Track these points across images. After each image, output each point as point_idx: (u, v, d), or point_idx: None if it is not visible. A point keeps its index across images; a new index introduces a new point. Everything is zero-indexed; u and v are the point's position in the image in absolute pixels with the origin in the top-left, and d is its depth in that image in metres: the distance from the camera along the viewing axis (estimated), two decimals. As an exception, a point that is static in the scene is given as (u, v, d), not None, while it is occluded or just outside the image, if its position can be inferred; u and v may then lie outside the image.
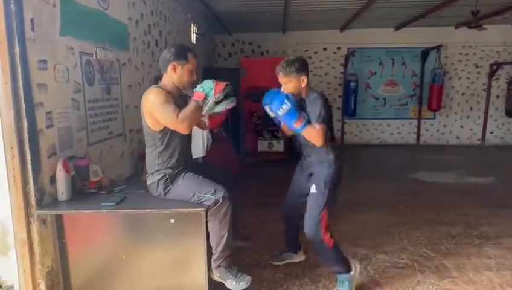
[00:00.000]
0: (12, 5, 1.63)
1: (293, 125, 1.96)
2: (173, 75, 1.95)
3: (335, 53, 7.66)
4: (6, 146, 1.72)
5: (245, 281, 2.00)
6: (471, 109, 7.65)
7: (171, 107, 1.84)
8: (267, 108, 2.04)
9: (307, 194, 2.16)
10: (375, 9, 5.47)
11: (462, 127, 7.74)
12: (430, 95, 7.19)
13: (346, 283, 2.20)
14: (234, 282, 1.99)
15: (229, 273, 2.00)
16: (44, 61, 1.86)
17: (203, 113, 1.97)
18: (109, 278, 2.03)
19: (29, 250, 1.82)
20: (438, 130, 7.81)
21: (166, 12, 4.04)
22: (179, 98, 1.98)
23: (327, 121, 2.02)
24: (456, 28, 6.99)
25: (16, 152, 1.72)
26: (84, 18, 2.26)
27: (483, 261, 2.68)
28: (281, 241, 2.61)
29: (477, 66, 7.49)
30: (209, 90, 1.90)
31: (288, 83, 2.04)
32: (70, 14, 2.08)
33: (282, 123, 2.17)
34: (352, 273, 2.23)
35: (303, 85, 2.05)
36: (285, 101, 1.92)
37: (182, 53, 1.95)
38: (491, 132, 7.67)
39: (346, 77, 7.43)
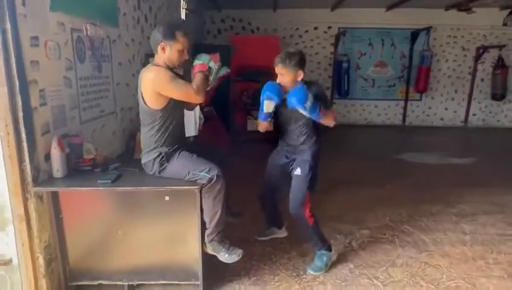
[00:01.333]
0: (2, -21, 1.59)
1: (317, 115, 2.05)
2: (163, 56, 1.94)
3: (325, 32, 7.62)
4: (1, 124, 1.72)
5: (236, 254, 2.11)
6: (456, 91, 7.82)
7: (181, 81, 1.92)
8: (271, 102, 2.07)
9: (287, 176, 2.29)
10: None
11: (446, 109, 7.92)
12: (418, 76, 7.31)
13: (324, 258, 2.34)
14: (227, 255, 2.09)
15: (221, 247, 2.10)
16: (36, 38, 1.83)
17: (209, 83, 2.04)
18: (106, 253, 2.10)
19: (26, 225, 1.86)
20: (423, 112, 7.98)
21: (155, -13, 3.94)
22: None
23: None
24: (446, 9, 7.03)
25: (10, 129, 1.72)
26: (74, -7, 2.21)
27: (458, 237, 2.86)
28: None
29: (464, 49, 7.59)
30: (208, 60, 2.00)
31: (285, 75, 2.08)
32: (60, -12, 2.03)
33: (263, 119, 2.20)
34: (331, 253, 2.39)
35: (299, 79, 2.09)
36: (309, 95, 1.98)
37: (170, 32, 1.92)
38: (474, 114, 7.89)
39: (338, 57, 7.44)
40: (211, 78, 2.05)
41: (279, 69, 2.09)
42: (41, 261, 1.94)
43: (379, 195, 3.73)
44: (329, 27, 7.58)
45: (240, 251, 2.13)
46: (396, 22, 7.38)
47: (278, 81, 2.11)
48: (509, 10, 6.62)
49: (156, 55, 1.99)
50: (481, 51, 7.41)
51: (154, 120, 1.97)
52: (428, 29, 7.03)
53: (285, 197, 2.37)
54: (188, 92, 1.91)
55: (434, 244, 2.74)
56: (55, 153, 1.92)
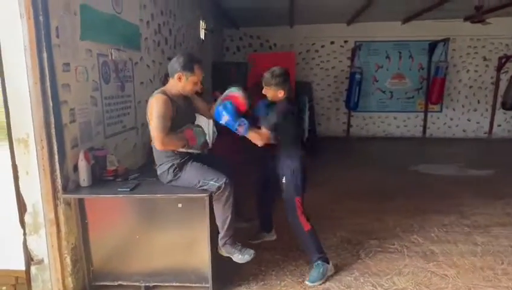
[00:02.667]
0: (40, 16, 1.87)
1: (236, 131, 2.26)
2: (178, 84, 2.16)
3: (342, 46, 7.76)
4: (37, 139, 1.98)
5: (249, 254, 2.27)
6: (478, 102, 7.67)
7: (164, 124, 2.04)
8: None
9: (277, 182, 2.48)
10: (381, 3, 5.54)
11: (469, 120, 7.77)
12: (432, 88, 7.25)
13: (321, 269, 2.39)
14: (240, 256, 2.27)
15: (234, 249, 2.27)
16: (67, 64, 2.11)
17: (181, 150, 2.20)
18: (125, 256, 2.30)
19: (56, 229, 2.10)
20: (444, 123, 7.87)
21: (175, 11, 4.25)
22: (182, 100, 2.21)
23: (284, 127, 2.34)
24: (465, 20, 6.99)
25: (44, 144, 1.98)
26: (101, 22, 2.50)
27: (469, 248, 2.86)
28: (277, 225, 2.90)
29: (485, 59, 7.48)
30: (199, 142, 2.21)
31: (267, 91, 2.40)
32: (89, 20, 2.32)
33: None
34: (329, 266, 2.44)
35: (280, 96, 2.38)
36: (223, 112, 2.20)
37: (189, 65, 2.14)
38: (499, 125, 7.69)
39: (353, 70, 7.52)
40: (187, 148, 2.19)
41: (263, 85, 2.41)
42: (68, 261, 2.16)
43: (391, 206, 3.75)
44: (346, 41, 7.72)
45: (251, 251, 2.29)
46: (413, 34, 7.41)
47: (263, 92, 2.42)
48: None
49: (170, 80, 2.21)
50: (503, 60, 7.27)
51: None
52: (446, 41, 7.00)
53: (276, 202, 2.58)
54: (157, 135, 2.04)
55: (443, 255, 2.75)
56: (82, 165, 2.17)
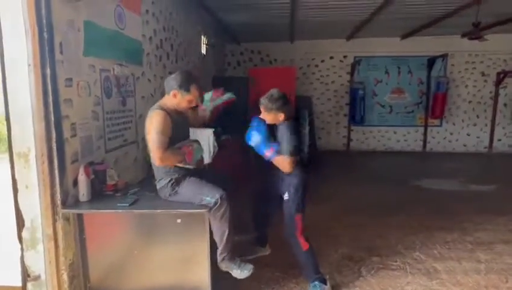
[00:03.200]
0: (45, 33, 1.90)
1: (264, 154, 2.27)
2: (173, 100, 2.19)
3: (341, 61, 7.85)
4: (38, 153, 1.98)
5: (247, 269, 2.25)
6: (477, 116, 7.70)
7: (163, 139, 2.05)
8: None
9: (278, 200, 2.45)
10: (380, 20, 5.65)
11: (468, 134, 7.78)
12: (434, 103, 7.31)
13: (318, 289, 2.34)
14: (239, 271, 2.24)
15: (233, 264, 2.25)
16: (70, 79, 2.13)
17: (180, 165, 2.20)
18: (123, 271, 2.26)
19: (54, 244, 2.07)
20: (444, 138, 7.88)
21: (177, 27, 4.32)
22: (177, 116, 2.21)
23: (297, 148, 2.31)
24: (462, 36, 7.10)
25: (45, 158, 1.98)
26: (104, 38, 2.53)
27: (473, 265, 2.81)
28: (276, 241, 2.83)
29: (483, 74, 7.55)
30: (195, 159, 2.22)
31: (267, 115, 2.34)
32: (92, 36, 2.35)
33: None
34: (326, 287, 2.38)
35: (280, 119, 2.33)
36: (256, 133, 2.21)
37: (185, 84, 2.17)
38: (499, 140, 7.70)
39: (353, 85, 7.59)
40: (185, 164, 2.19)
41: (262, 109, 2.35)
42: (65, 277, 2.13)
43: (393, 221, 3.72)
44: (345, 56, 7.81)
45: (250, 266, 2.26)
46: (412, 50, 7.51)
47: (261, 116, 2.37)
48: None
49: (166, 96, 2.23)
50: (502, 75, 7.34)
51: None
52: (444, 56, 7.08)
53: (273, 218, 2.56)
54: (155, 150, 2.04)
55: (446, 273, 2.70)
56: (82, 179, 2.16)
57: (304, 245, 2.35)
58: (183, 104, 2.20)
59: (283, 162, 2.27)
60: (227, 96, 2.43)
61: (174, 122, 2.15)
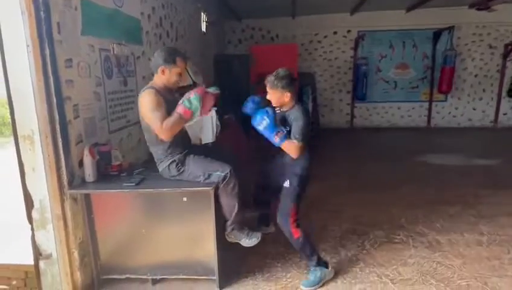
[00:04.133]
0: (42, 12, 1.86)
1: (272, 139, 2.17)
2: (162, 77, 2.17)
3: (345, 37, 7.66)
4: (42, 135, 1.99)
5: (256, 237, 2.31)
6: (484, 90, 7.57)
7: (159, 114, 2.03)
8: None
9: (278, 185, 2.36)
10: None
11: (474, 109, 7.68)
12: (441, 77, 7.16)
13: (318, 273, 2.31)
14: (248, 240, 2.30)
15: (241, 234, 2.30)
16: (70, 60, 2.11)
17: (185, 125, 2.18)
18: (132, 250, 2.32)
19: (63, 224, 2.12)
20: (449, 113, 7.79)
21: (176, 4, 4.22)
22: (168, 95, 2.19)
23: (308, 133, 2.21)
24: (470, 7, 6.87)
25: (49, 140, 1.99)
26: (102, 17, 2.49)
27: (475, 237, 2.85)
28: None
29: (491, 47, 7.35)
30: (196, 109, 2.07)
31: (273, 94, 2.24)
32: (90, 15, 2.31)
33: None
34: (328, 270, 2.36)
35: (286, 100, 2.23)
36: (265, 116, 2.12)
37: (171, 58, 2.14)
38: (505, 114, 7.60)
39: (357, 61, 7.45)
40: (188, 122, 2.16)
41: (268, 88, 2.25)
42: (76, 256, 2.19)
43: (397, 196, 3.74)
44: (349, 31, 7.62)
45: (258, 234, 2.33)
46: (418, 23, 7.29)
47: (267, 97, 2.28)
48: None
49: (155, 75, 2.21)
50: (510, 47, 7.15)
51: (157, 138, 2.15)
52: (451, 29, 6.89)
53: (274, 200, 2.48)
54: (156, 126, 2.03)
55: (449, 245, 2.74)
56: (87, 160, 2.18)
57: (295, 233, 2.28)
58: (172, 78, 2.18)
59: (293, 147, 2.18)
60: (213, 89, 2.27)
61: (165, 100, 2.12)
